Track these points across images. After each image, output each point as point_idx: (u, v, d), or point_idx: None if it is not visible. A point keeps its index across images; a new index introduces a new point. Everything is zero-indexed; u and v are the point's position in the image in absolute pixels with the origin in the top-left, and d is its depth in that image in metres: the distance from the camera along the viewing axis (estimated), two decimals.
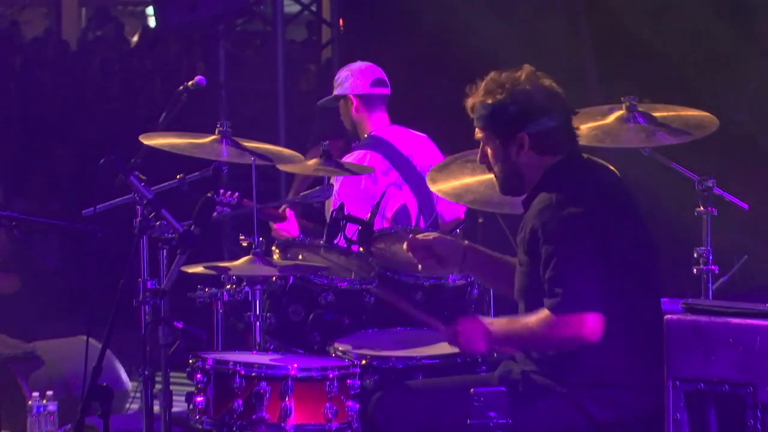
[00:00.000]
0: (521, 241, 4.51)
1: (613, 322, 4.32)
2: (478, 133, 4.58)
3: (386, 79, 6.74)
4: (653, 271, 4.51)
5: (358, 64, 6.81)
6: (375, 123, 6.68)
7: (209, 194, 5.09)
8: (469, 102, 4.56)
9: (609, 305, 4.31)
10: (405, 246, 4.88)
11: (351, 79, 6.69)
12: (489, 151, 4.57)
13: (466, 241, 4.98)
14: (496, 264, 4.81)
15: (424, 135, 6.77)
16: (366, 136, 6.68)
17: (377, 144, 6.62)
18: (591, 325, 4.29)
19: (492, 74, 4.54)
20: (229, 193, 6.31)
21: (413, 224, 6.52)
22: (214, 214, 5.35)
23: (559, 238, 4.35)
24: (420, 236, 4.89)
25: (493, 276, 4.86)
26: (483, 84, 4.54)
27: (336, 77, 6.80)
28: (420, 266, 4.93)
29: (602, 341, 4.31)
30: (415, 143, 6.69)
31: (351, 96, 6.68)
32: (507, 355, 4.73)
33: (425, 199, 6.58)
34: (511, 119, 4.49)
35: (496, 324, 4.55)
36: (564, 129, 4.53)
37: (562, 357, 4.41)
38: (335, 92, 6.74)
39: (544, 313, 4.35)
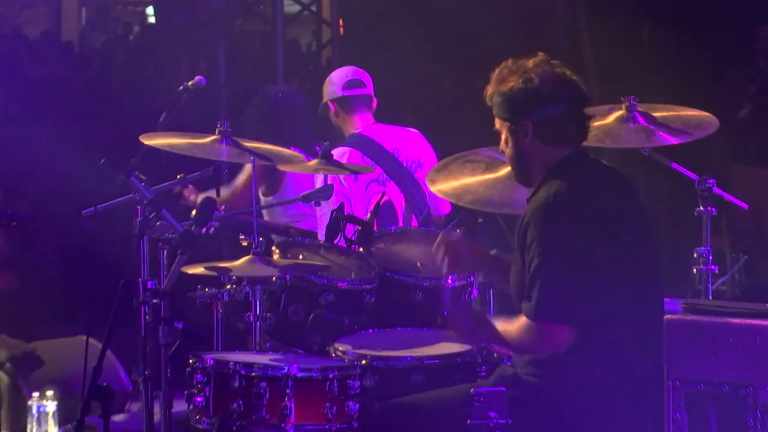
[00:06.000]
0: (517, 237, 4.51)
1: (598, 332, 4.32)
2: (497, 123, 4.60)
3: (363, 80, 6.80)
4: (650, 279, 4.47)
5: (338, 70, 6.94)
6: (358, 123, 6.74)
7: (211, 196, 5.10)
8: (487, 91, 4.58)
9: (591, 316, 4.29)
10: (435, 247, 4.77)
11: (329, 86, 6.86)
12: (503, 138, 4.60)
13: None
14: (504, 263, 4.80)
15: (415, 131, 6.79)
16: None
17: (358, 142, 6.66)
18: (558, 336, 4.31)
19: (505, 62, 4.56)
20: None
21: (400, 221, 6.54)
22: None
23: (546, 241, 4.34)
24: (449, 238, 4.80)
25: (502, 277, 4.82)
26: (496, 72, 4.56)
27: None
28: (445, 267, 4.81)
29: (584, 350, 4.31)
30: (401, 138, 6.71)
31: (329, 102, 6.83)
32: (506, 357, 4.73)
33: (414, 194, 6.58)
34: (516, 106, 4.50)
35: (489, 325, 4.56)
36: (570, 117, 4.49)
37: (552, 362, 4.41)
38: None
39: (521, 319, 4.38)
